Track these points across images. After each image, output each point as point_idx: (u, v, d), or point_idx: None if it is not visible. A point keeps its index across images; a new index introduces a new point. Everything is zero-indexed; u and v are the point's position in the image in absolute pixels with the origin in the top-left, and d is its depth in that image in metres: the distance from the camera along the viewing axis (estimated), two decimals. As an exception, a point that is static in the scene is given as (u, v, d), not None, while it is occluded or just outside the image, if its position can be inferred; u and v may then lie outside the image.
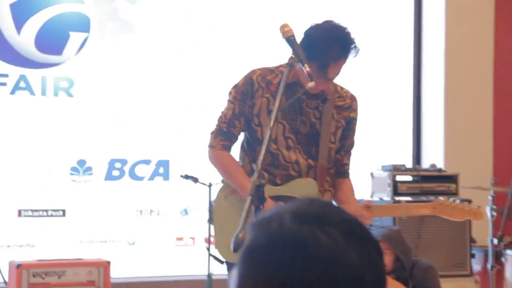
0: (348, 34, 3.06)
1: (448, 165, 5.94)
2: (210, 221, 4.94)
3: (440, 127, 6.25)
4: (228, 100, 3.24)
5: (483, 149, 6.28)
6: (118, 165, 5.70)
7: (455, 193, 5.40)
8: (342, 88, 3.25)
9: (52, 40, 5.55)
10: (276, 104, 2.58)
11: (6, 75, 5.45)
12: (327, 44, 2.94)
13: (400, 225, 5.03)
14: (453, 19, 6.28)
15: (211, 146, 3.25)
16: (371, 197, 5.52)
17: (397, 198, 5.30)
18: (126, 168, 5.72)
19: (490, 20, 6.38)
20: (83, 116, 5.63)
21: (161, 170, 5.79)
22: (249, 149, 3.22)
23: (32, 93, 5.50)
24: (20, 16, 5.46)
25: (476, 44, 6.33)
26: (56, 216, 5.53)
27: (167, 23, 5.79)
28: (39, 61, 5.51)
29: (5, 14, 5.43)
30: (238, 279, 1.09)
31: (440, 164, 5.93)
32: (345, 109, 3.21)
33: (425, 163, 6.18)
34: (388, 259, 4.38)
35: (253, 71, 3.21)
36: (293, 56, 2.69)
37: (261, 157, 2.46)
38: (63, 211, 5.55)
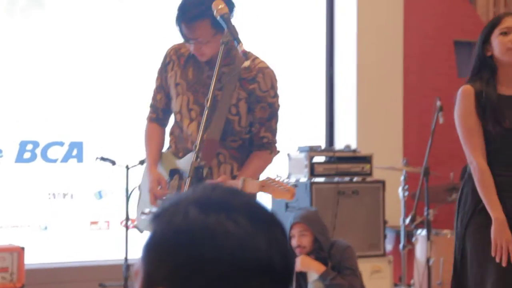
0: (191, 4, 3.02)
1: (361, 145, 6.03)
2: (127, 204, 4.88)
3: (353, 108, 6.35)
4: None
5: (394, 130, 6.42)
6: (29, 146, 5.52)
7: (369, 174, 5.50)
8: (254, 60, 3.16)
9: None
10: (213, 82, 2.54)
11: None
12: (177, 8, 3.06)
13: (317, 206, 5.09)
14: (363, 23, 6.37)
15: (146, 118, 3.40)
16: (288, 178, 5.54)
17: (314, 180, 5.35)
18: (38, 151, 5.55)
19: (400, 0, 6.50)
20: (-8, 97, 5.43)
21: (74, 152, 5.65)
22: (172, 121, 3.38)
23: None
24: None
25: (387, 24, 6.43)
26: (-35, 200, 5.33)
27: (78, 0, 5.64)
28: None
29: None
30: (144, 275, 1.06)
31: (353, 145, 6.02)
32: (248, 81, 3.13)
33: (338, 144, 6.26)
34: (307, 240, 4.43)
35: (172, 46, 3.31)
36: (227, 33, 2.66)
37: (198, 138, 2.42)
38: (-28, 194, 5.35)
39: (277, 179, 2.73)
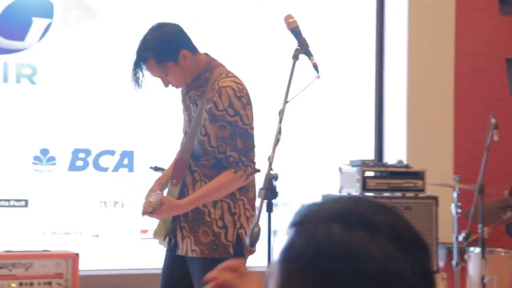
0: (141, 39, 3.34)
1: (410, 161, 5.99)
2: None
3: (403, 123, 6.30)
4: None
5: (445, 146, 6.36)
6: (82, 155, 5.57)
7: (421, 190, 5.45)
8: (219, 80, 3.23)
9: (14, 26, 5.39)
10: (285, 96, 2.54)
11: (-33, 61, 5.28)
12: None
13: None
14: (415, 15, 6.33)
15: None
16: (340, 192, 5.52)
17: (366, 194, 5.32)
18: (90, 159, 5.60)
19: (451, 18, 6.45)
20: (46, 104, 5.49)
21: (125, 161, 5.69)
22: None
23: (-6, 79, 5.35)
24: (-18, 0, 5.29)
25: (437, 41, 6.39)
26: (19, 206, 5.38)
27: (131, 10, 5.69)
28: (0, 46, 5.35)
29: (-33, -3, 5.25)
30: (279, 283, 1.05)
31: (403, 160, 5.97)
32: (208, 101, 3.21)
33: (387, 159, 6.22)
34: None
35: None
36: (298, 47, 2.66)
37: (273, 148, 2.42)
38: (26, 201, 5.41)
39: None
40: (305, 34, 2.68)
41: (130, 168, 5.70)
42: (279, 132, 2.44)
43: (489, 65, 6.61)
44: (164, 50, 3.18)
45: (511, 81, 6.67)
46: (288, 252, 1.05)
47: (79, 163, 5.57)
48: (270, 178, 2.28)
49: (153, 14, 5.73)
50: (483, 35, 6.59)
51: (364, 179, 5.32)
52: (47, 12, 5.48)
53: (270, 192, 2.26)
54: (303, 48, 2.63)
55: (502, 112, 6.20)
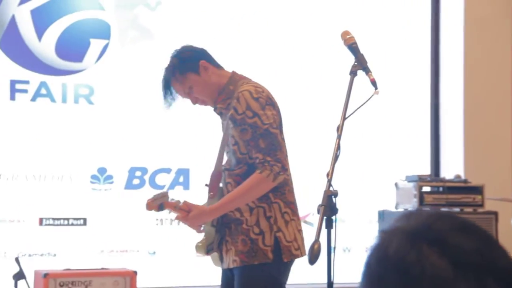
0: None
1: (468, 176, 5.91)
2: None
3: (460, 137, 6.23)
4: None
5: (503, 161, 6.26)
6: (138, 173, 5.64)
7: (480, 205, 5.36)
8: (239, 88, 3.31)
9: (72, 47, 5.49)
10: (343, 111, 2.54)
11: (27, 82, 5.39)
12: None
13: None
14: (471, 27, 6.27)
15: None
16: (396, 208, 5.47)
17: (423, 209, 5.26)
18: (146, 177, 5.66)
19: (508, 30, 6.37)
20: (104, 124, 5.58)
21: (181, 179, 5.74)
22: None
23: (52, 100, 5.45)
24: (41, 23, 5.40)
25: (494, 53, 6.31)
26: (77, 225, 5.46)
27: (187, 30, 5.75)
28: (59, 68, 5.46)
29: (26, 20, 5.37)
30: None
31: (461, 175, 5.90)
32: (229, 110, 3.29)
33: (444, 174, 6.15)
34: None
35: None
36: (356, 64, 2.66)
37: (331, 164, 2.42)
38: (84, 219, 5.49)
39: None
40: (362, 49, 2.68)
41: (186, 185, 5.74)
42: (337, 148, 2.44)
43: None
44: (184, 60, 3.36)
45: None
46: (365, 270, 1.06)
47: (136, 181, 5.63)
48: (330, 195, 2.28)
49: (207, 33, 5.79)
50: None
51: (421, 195, 5.26)
52: (104, 33, 5.58)
53: (329, 209, 2.25)
54: (360, 64, 2.63)
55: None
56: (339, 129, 2.48)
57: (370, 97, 2.58)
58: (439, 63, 6.42)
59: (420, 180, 5.27)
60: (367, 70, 2.62)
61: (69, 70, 5.49)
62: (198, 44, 5.72)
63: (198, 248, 3.43)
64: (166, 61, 5.61)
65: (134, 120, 5.64)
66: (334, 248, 2.29)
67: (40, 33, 5.41)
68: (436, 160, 6.38)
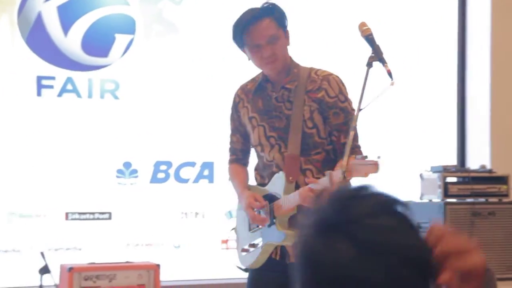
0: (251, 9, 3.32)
1: (494, 166, 5.86)
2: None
3: (486, 127, 6.18)
4: None
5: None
6: (163, 167, 5.68)
7: (506, 195, 5.33)
8: (317, 71, 3.26)
9: (98, 43, 5.54)
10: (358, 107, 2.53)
11: (53, 78, 5.45)
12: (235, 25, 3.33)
13: (451, 227, 4.97)
14: (499, 15, 6.20)
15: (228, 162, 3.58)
16: (421, 198, 5.45)
17: (448, 200, 5.24)
18: (171, 171, 5.70)
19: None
20: (129, 119, 5.62)
21: (206, 173, 5.77)
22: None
23: (78, 95, 5.50)
24: (67, 18, 5.45)
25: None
26: (103, 219, 5.52)
27: (212, 24, 5.77)
28: (85, 63, 5.51)
29: (52, 16, 5.43)
30: None
31: (487, 165, 5.86)
32: (314, 92, 3.19)
33: (470, 164, 6.11)
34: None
35: (238, 89, 3.51)
36: (372, 55, 2.66)
37: (346, 155, 2.42)
38: (110, 214, 5.54)
39: (358, 157, 2.66)
40: (380, 41, 2.68)
41: (210, 179, 5.77)
42: (353, 139, 2.44)
43: None
44: (283, 15, 3.26)
45: None
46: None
47: (161, 175, 5.67)
48: (344, 186, 2.28)
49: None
50: None
51: (446, 185, 5.24)
52: (129, 28, 5.61)
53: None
54: (377, 55, 2.63)
55: None
56: (354, 120, 2.47)
57: (386, 89, 2.57)
58: (466, 53, 6.37)
59: (445, 170, 5.25)
60: (383, 61, 2.61)
61: (94, 66, 5.54)
62: (221, 40, 5.77)
63: (254, 265, 3.33)
64: (194, 53, 5.69)
65: (159, 115, 5.68)
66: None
67: (66, 29, 5.46)
68: (462, 151, 6.34)
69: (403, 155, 6.10)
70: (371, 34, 2.68)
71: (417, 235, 1.06)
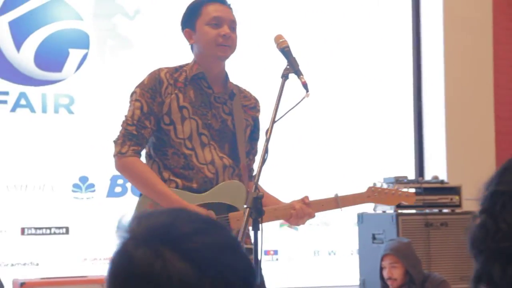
0: None
1: (451, 176, 5.91)
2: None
3: (442, 139, 6.23)
4: (133, 100, 3.06)
5: (486, 160, 6.25)
6: (120, 181, 5.68)
7: (458, 205, 5.37)
8: (245, 90, 3.18)
9: (51, 57, 5.55)
10: (272, 116, 2.56)
11: (6, 93, 5.45)
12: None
13: (408, 235, 5.02)
14: (451, 29, 6.27)
15: (119, 153, 3.01)
16: (374, 210, 5.49)
17: (400, 211, 5.27)
18: (129, 185, 5.69)
19: (488, 29, 6.36)
20: (84, 133, 5.62)
21: (163, 186, 5.77)
22: (158, 154, 2.99)
23: (32, 110, 5.50)
24: (19, 34, 5.47)
25: (475, 53, 6.31)
26: (60, 233, 5.51)
27: (166, 38, 5.78)
28: (39, 78, 5.52)
29: (4, 31, 5.44)
30: None
31: (443, 176, 5.90)
32: (250, 109, 3.10)
33: (428, 175, 6.15)
34: (398, 272, 4.37)
35: (160, 69, 3.08)
36: (288, 67, 2.68)
37: (258, 167, 2.43)
38: (67, 228, 5.53)
39: (379, 186, 2.69)
40: (297, 54, 2.71)
41: (168, 192, 5.77)
42: (265, 151, 2.45)
43: (530, 76, 6.49)
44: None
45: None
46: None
47: (118, 189, 5.67)
48: (255, 197, 2.30)
49: (186, 42, 5.81)
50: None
51: (398, 196, 5.26)
52: (83, 43, 5.63)
53: (255, 211, 2.27)
54: (292, 67, 2.65)
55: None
56: (268, 132, 2.49)
57: (301, 100, 2.61)
58: (421, 66, 6.43)
59: (397, 181, 5.28)
60: (298, 73, 2.63)
61: (48, 80, 5.55)
62: (175, 54, 5.78)
63: None
64: (148, 67, 5.70)
65: (114, 128, 5.65)
66: (261, 250, 2.31)
67: (18, 44, 5.47)
68: (420, 162, 6.38)
69: (363, 168, 6.13)
70: (288, 47, 2.70)
71: (244, 257, 1.06)
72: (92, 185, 5.61)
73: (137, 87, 3.07)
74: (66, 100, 5.59)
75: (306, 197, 2.93)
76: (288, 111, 2.61)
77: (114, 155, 3.03)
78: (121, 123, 3.08)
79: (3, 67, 5.43)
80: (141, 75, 5.68)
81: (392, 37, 6.38)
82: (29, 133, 5.48)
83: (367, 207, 5.57)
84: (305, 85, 2.61)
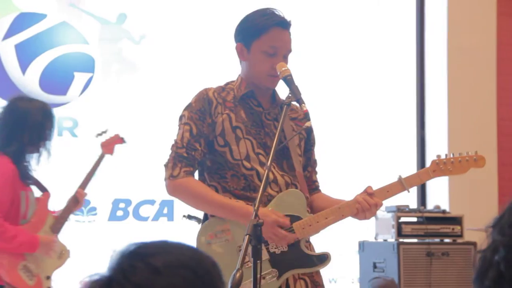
0: (263, 10, 2.96)
1: (453, 206, 5.91)
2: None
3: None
4: (182, 124, 2.95)
5: (488, 190, 6.25)
6: (122, 205, 5.69)
7: (459, 235, 5.36)
8: (292, 103, 2.91)
9: (56, 81, 5.58)
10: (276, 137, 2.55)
11: (11, 115, 5.46)
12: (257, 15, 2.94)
13: (405, 267, 5.01)
14: (455, 33, 6.28)
15: (171, 177, 2.88)
16: (376, 238, 5.48)
17: (401, 240, 5.26)
18: (130, 209, 5.70)
19: (492, 61, 6.38)
20: (87, 156, 5.62)
21: (165, 211, 5.77)
22: (216, 178, 2.90)
23: (36, 133, 5.51)
24: (25, 57, 5.50)
25: (478, 85, 6.32)
26: (60, 257, 5.49)
27: (171, 63, 5.82)
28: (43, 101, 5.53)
29: (10, 54, 5.47)
30: None
31: (445, 206, 5.90)
32: (301, 120, 2.95)
33: (430, 205, 6.14)
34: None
35: (207, 89, 2.98)
36: (290, 95, 2.69)
37: (258, 197, 2.42)
38: (68, 252, 5.51)
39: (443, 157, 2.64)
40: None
41: (170, 217, 5.78)
42: (266, 178, 2.45)
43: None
44: None
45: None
46: None
47: (120, 213, 5.68)
48: (255, 224, 2.30)
49: (191, 67, 5.86)
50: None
51: (400, 225, 5.26)
52: (89, 67, 5.66)
53: (255, 238, 2.27)
54: (294, 96, 2.65)
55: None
56: (269, 160, 2.49)
57: (301, 130, 2.60)
58: (425, 97, 6.45)
59: (399, 210, 5.28)
60: (300, 102, 2.64)
61: (53, 103, 5.54)
62: (182, 77, 5.82)
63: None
64: (153, 91, 5.71)
65: (118, 152, 5.68)
66: (260, 277, 2.31)
67: (24, 67, 5.51)
68: (423, 192, 6.38)
69: (361, 179, 6.11)
70: (290, 75, 2.71)
71: None
72: (94, 209, 5.62)
73: (184, 109, 2.98)
74: (70, 123, 5.62)
75: (370, 187, 2.90)
76: (289, 139, 2.61)
77: (165, 179, 2.91)
78: (170, 147, 2.99)
79: (9, 89, 5.46)
80: (145, 99, 5.76)
81: (394, 60, 6.40)
82: (32, 156, 5.48)
83: (368, 235, 5.56)
84: (306, 114, 2.62)
